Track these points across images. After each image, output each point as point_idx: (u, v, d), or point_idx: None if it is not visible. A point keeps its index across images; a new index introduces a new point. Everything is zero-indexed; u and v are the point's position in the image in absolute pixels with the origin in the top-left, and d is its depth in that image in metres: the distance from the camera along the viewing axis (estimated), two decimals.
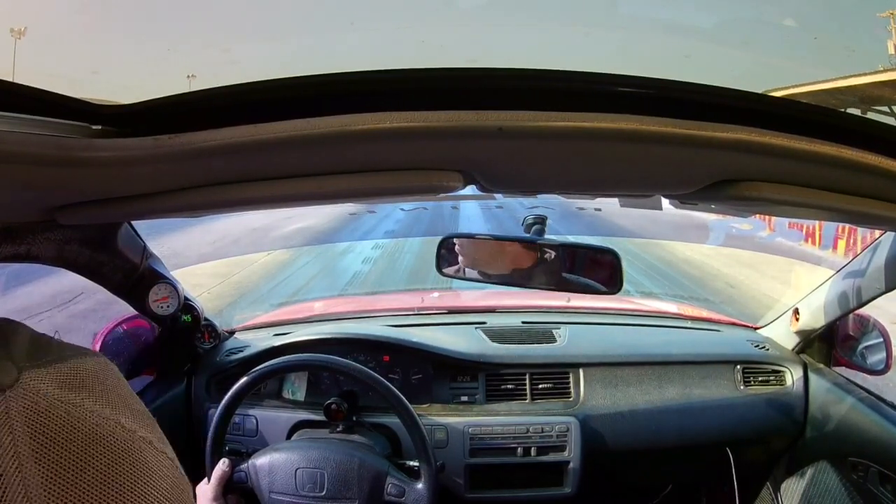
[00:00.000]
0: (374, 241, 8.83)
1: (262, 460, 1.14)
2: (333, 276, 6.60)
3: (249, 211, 0.59)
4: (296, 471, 1.11)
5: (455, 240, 1.22)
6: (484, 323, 1.53)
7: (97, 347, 1.23)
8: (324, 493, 1.10)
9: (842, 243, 7.45)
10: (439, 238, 1.22)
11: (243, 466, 1.14)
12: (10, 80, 0.36)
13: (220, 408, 1.16)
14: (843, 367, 1.40)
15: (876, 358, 1.30)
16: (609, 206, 9.93)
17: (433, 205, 11.82)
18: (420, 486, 1.12)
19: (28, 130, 0.37)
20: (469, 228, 10.12)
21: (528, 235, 1.15)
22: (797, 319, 1.41)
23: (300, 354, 1.25)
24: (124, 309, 1.23)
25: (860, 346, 1.34)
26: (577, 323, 1.57)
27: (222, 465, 1.12)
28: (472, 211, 12.00)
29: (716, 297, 5.15)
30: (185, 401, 1.36)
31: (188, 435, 1.34)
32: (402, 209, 11.55)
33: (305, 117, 0.40)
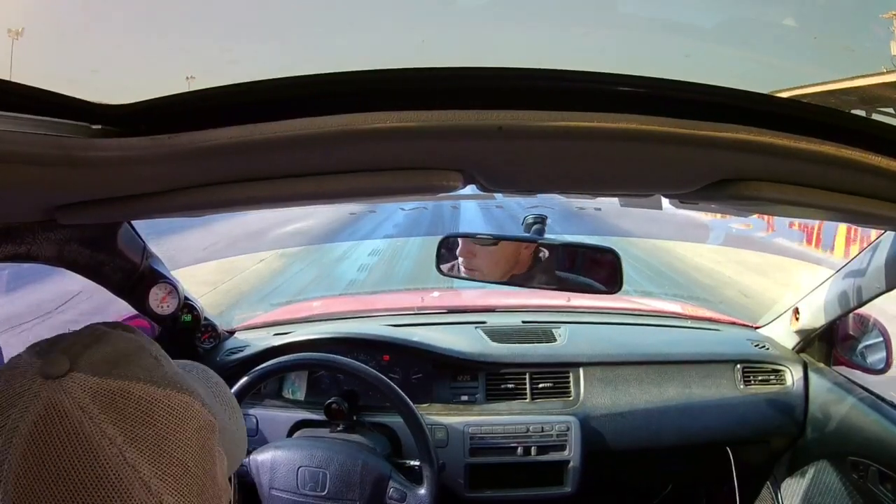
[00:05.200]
0: (371, 245, 8.68)
1: (263, 456, 1.14)
2: (328, 283, 6.50)
3: (249, 210, 0.59)
4: (298, 469, 1.12)
5: (455, 239, 1.22)
6: (484, 322, 1.53)
7: None
8: (325, 492, 1.10)
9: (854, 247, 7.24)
10: (438, 241, 1.22)
11: (244, 461, 1.14)
12: (9, 79, 0.36)
13: None
14: (843, 367, 1.40)
15: (876, 357, 1.30)
16: (609, 205, 9.87)
17: (433, 205, 11.79)
18: (422, 491, 1.12)
19: (28, 130, 0.37)
20: (468, 229, 10.05)
21: (528, 235, 1.15)
22: (797, 319, 1.41)
23: (300, 354, 1.26)
24: (109, 318, 1.23)
25: (860, 346, 1.34)
26: (576, 322, 1.57)
27: None
28: (472, 214, 11.92)
29: (730, 307, 4.98)
30: None
31: None
32: (402, 209, 11.53)
33: (305, 117, 0.40)
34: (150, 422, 0.37)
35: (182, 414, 0.39)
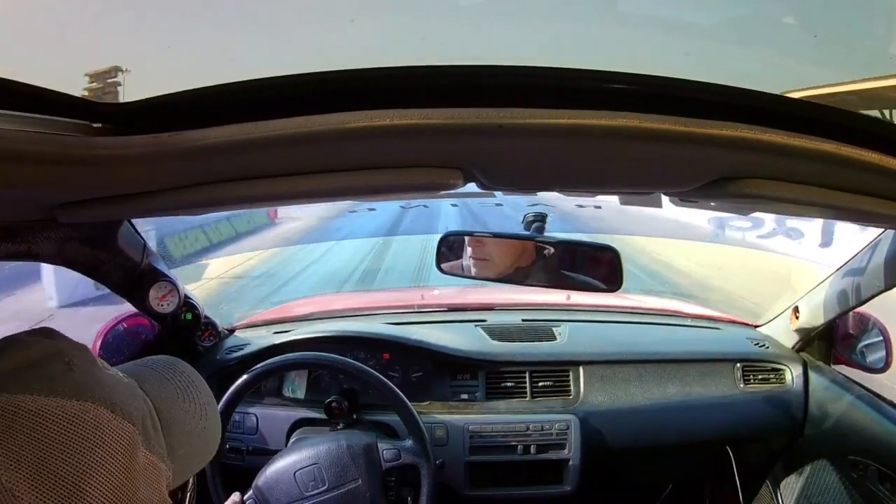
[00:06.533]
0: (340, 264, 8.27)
1: (262, 481, 1.13)
2: None
3: (251, 208, 0.59)
4: (294, 474, 1.11)
5: (456, 237, 1.22)
6: (484, 321, 1.53)
7: (97, 345, 1.23)
8: (326, 485, 1.10)
9: None
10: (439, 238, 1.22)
11: (248, 495, 1.12)
12: (10, 78, 0.36)
13: (220, 406, 1.16)
14: (843, 365, 1.40)
15: (876, 356, 1.30)
16: (609, 204, 9.79)
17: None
18: (409, 441, 1.15)
19: (29, 128, 0.37)
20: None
21: (527, 233, 1.15)
22: (797, 317, 1.41)
23: (300, 353, 1.26)
24: None
25: (860, 345, 1.34)
26: (576, 321, 1.57)
27: (234, 498, 1.08)
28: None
29: None
30: None
31: None
32: (401, 206, 11.54)
33: (305, 115, 0.40)
34: (37, 438, 0.35)
35: (81, 427, 0.37)
